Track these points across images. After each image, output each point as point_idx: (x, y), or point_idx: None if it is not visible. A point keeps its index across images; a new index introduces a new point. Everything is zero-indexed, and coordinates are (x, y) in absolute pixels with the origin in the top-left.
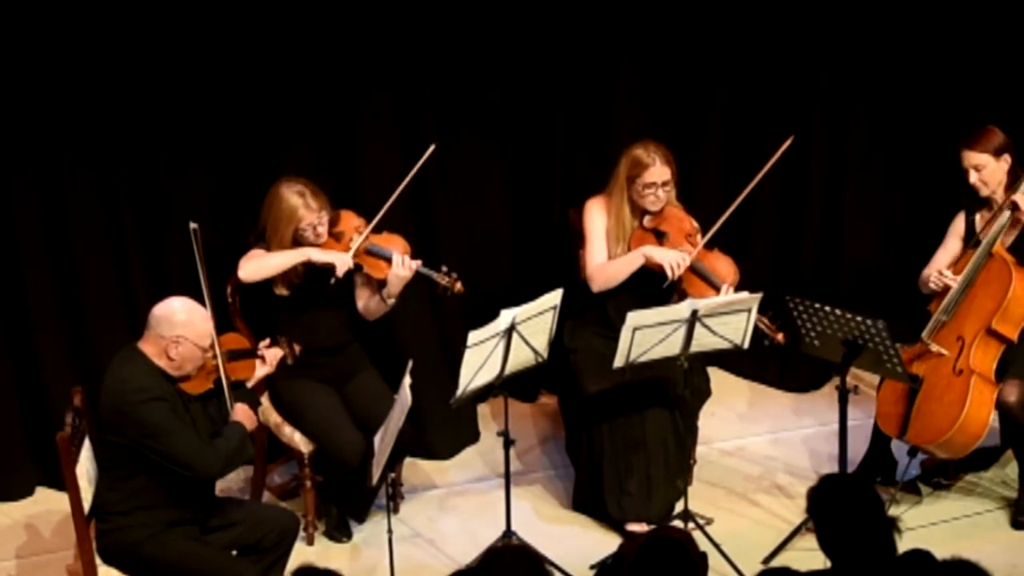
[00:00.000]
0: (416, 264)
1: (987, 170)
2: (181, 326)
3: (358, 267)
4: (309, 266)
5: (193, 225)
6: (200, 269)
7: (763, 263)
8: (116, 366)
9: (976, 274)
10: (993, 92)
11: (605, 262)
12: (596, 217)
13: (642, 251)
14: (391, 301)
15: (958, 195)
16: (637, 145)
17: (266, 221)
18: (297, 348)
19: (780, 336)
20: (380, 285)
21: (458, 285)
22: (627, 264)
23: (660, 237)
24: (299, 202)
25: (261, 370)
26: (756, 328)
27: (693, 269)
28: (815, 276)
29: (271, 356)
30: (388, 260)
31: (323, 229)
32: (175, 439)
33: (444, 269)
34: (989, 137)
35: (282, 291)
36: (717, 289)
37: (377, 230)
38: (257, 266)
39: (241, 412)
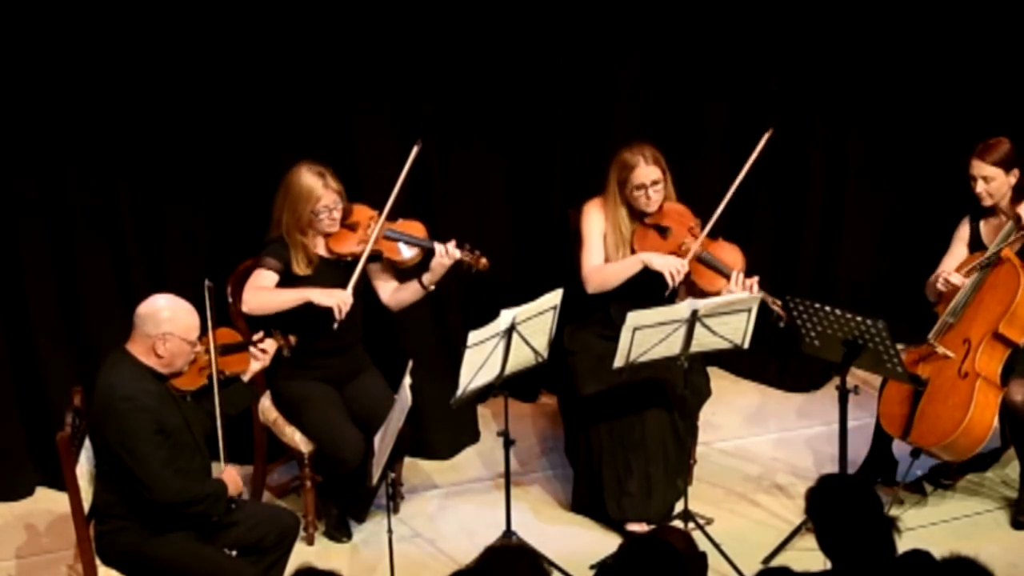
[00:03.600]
0: (456, 252)
1: (995, 183)
2: (167, 322)
3: (377, 255)
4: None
5: (209, 284)
6: (210, 325)
7: (763, 266)
8: (105, 370)
9: (984, 277)
10: (995, 98)
11: (601, 264)
12: (594, 219)
13: (640, 257)
14: (432, 288)
15: (960, 200)
16: (624, 148)
17: (282, 208)
18: (292, 339)
19: (785, 313)
20: (400, 273)
21: (483, 261)
22: (624, 268)
23: (663, 232)
24: (318, 182)
25: (256, 364)
26: (761, 306)
27: (701, 260)
28: (814, 278)
29: (265, 347)
30: (420, 248)
31: (338, 215)
32: (145, 457)
33: (467, 247)
34: (1002, 149)
35: (304, 271)
36: (727, 277)
37: (392, 218)
38: (260, 302)
39: (229, 476)
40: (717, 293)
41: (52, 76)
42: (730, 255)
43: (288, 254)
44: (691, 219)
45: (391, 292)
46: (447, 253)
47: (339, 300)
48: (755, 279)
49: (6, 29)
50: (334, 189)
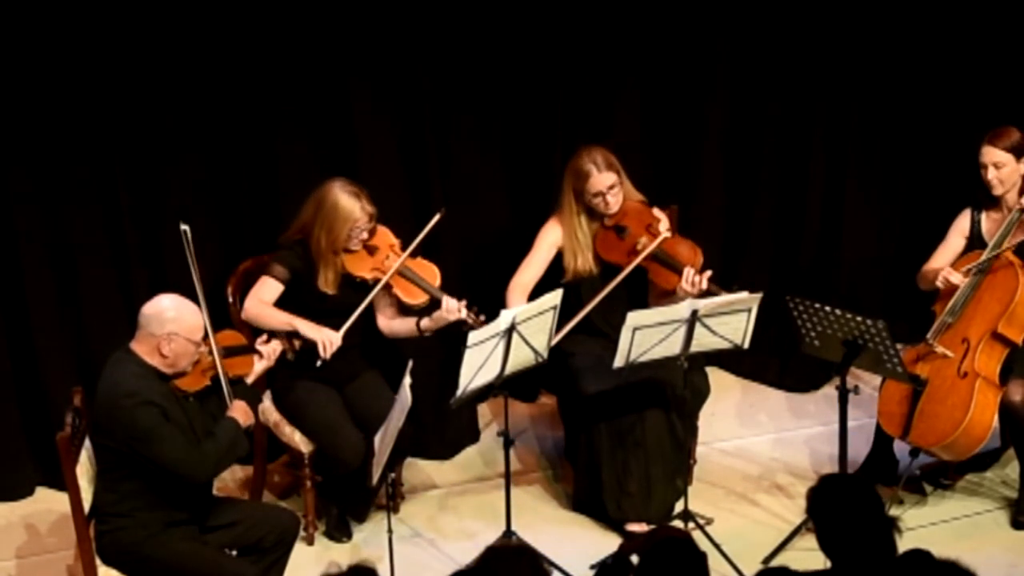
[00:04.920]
0: (464, 311)
1: (1006, 169)
2: (171, 322)
3: (387, 286)
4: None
5: (184, 227)
6: (193, 271)
7: (762, 263)
8: (109, 369)
9: (983, 276)
10: (996, 98)
11: (524, 287)
12: (547, 235)
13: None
14: (428, 335)
15: (961, 194)
16: (575, 158)
17: (312, 222)
18: (297, 343)
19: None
20: (404, 309)
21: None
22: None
23: (620, 232)
24: (356, 204)
25: (259, 365)
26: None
27: (655, 258)
28: (815, 276)
29: (269, 351)
30: (429, 295)
31: (366, 236)
32: (164, 445)
33: (475, 309)
34: (1013, 136)
35: (331, 289)
36: (679, 273)
37: (412, 254)
38: (256, 314)
39: (238, 409)
40: (673, 291)
41: (52, 74)
42: (684, 251)
43: (299, 263)
44: (650, 217)
45: (387, 320)
46: (453, 310)
47: (326, 338)
48: (707, 274)
49: (6, 28)
50: (369, 212)
